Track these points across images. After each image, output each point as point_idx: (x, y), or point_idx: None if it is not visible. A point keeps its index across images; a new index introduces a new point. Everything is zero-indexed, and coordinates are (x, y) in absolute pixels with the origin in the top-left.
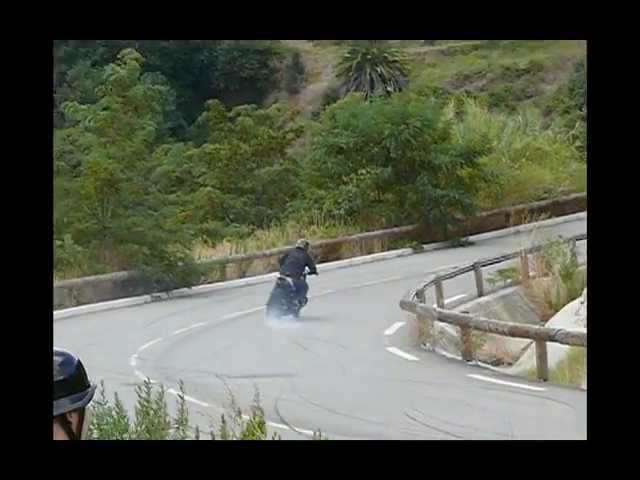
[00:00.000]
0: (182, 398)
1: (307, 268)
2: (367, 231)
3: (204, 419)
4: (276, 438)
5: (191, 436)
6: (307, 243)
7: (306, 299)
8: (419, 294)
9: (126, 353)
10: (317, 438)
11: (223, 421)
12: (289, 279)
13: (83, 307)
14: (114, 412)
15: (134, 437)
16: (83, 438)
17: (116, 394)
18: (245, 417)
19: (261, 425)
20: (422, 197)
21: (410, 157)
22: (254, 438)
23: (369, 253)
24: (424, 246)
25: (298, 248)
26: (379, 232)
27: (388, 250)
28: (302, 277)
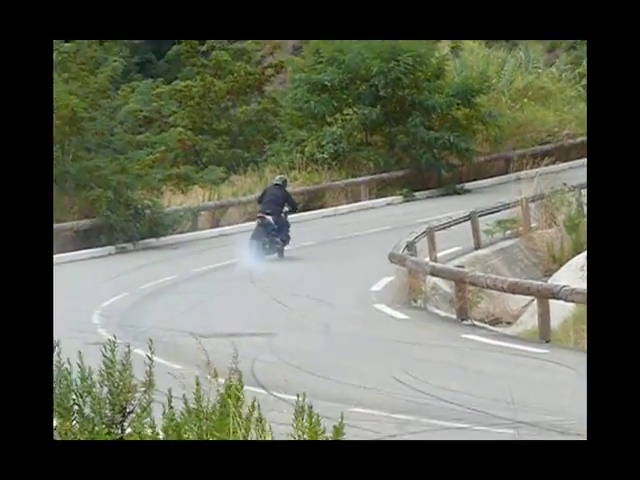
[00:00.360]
0: (150, 359)
1: (287, 206)
2: (353, 177)
3: (175, 382)
4: (254, 404)
5: (159, 400)
6: (285, 179)
7: (289, 237)
8: (410, 246)
9: (88, 310)
10: (300, 403)
11: (197, 384)
12: (269, 217)
13: None
14: (74, 374)
15: (95, 401)
16: None
17: (80, 353)
18: (221, 380)
19: (239, 389)
20: (414, 140)
21: (401, 96)
22: (231, 404)
23: (356, 201)
24: (416, 194)
25: (276, 184)
26: (366, 178)
27: (376, 198)
28: (283, 215)
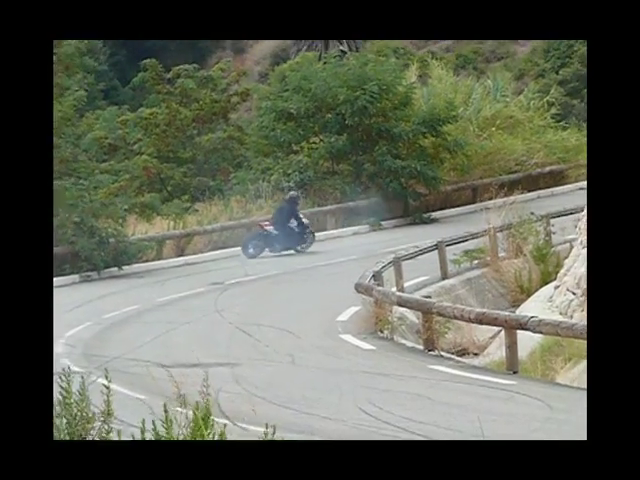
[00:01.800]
0: (107, 388)
1: (294, 219)
2: (319, 206)
3: (138, 412)
4: (217, 435)
5: (118, 429)
6: (295, 196)
7: (298, 244)
8: (376, 276)
9: None
10: (268, 436)
11: (165, 412)
12: (270, 227)
13: None
14: None
15: (55, 433)
16: None
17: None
18: (182, 410)
19: (206, 419)
20: (380, 168)
21: (367, 125)
22: (198, 434)
23: (322, 230)
24: (382, 223)
25: (286, 200)
26: (333, 207)
27: (343, 227)
28: (288, 227)
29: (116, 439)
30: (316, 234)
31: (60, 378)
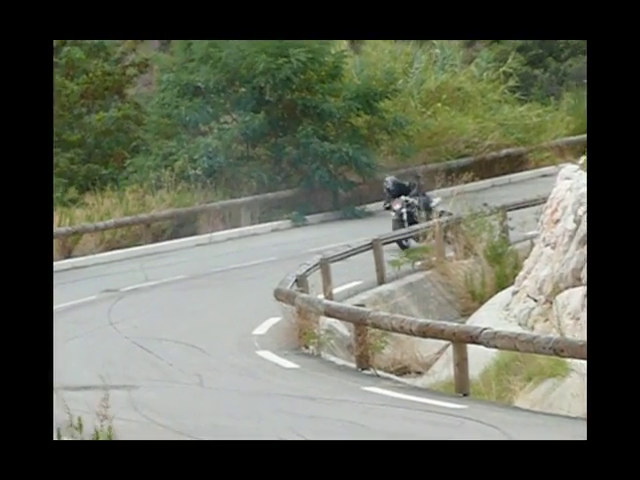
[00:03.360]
0: None
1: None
2: (232, 197)
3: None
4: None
5: None
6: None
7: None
8: (300, 281)
9: None
10: None
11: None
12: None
13: None
14: None
15: None
16: None
17: None
18: (67, 438)
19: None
20: (305, 153)
21: (290, 100)
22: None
23: (235, 226)
24: (307, 217)
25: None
26: (248, 199)
27: (260, 223)
28: None
29: (115, 439)
30: (231, 230)
31: None
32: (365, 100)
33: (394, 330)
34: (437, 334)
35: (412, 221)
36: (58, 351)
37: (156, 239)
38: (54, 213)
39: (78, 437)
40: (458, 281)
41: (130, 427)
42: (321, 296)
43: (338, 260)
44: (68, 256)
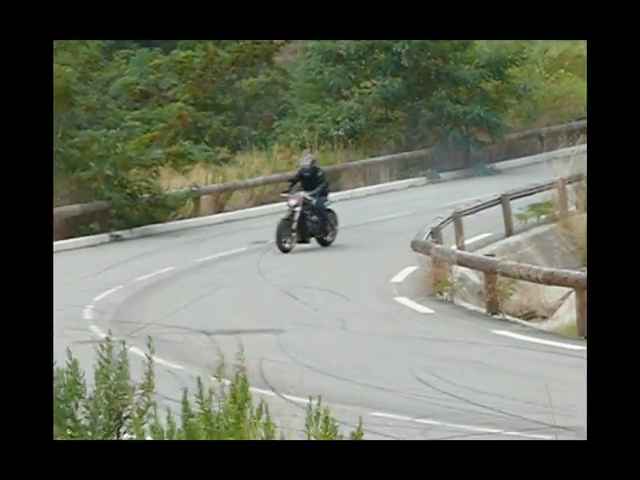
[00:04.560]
0: (149, 358)
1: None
2: (372, 156)
3: (175, 383)
4: (261, 406)
5: (158, 404)
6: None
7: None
8: (435, 233)
9: (79, 304)
10: (314, 407)
11: (199, 384)
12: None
13: None
14: (65, 374)
15: (90, 404)
16: None
17: (69, 352)
18: (226, 382)
19: (244, 390)
20: (439, 115)
21: (425, 67)
22: (236, 406)
23: (374, 183)
24: (441, 175)
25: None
26: (387, 158)
27: (397, 180)
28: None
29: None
30: (370, 187)
31: (100, 346)
32: (495, 67)
33: (521, 278)
34: (561, 282)
35: (303, 226)
36: (210, 299)
37: None
38: (208, 171)
39: (225, 381)
40: (579, 233)
41: (277, 368)
42: (454, 247)
43: (469, 214)
44: (220, 211)
